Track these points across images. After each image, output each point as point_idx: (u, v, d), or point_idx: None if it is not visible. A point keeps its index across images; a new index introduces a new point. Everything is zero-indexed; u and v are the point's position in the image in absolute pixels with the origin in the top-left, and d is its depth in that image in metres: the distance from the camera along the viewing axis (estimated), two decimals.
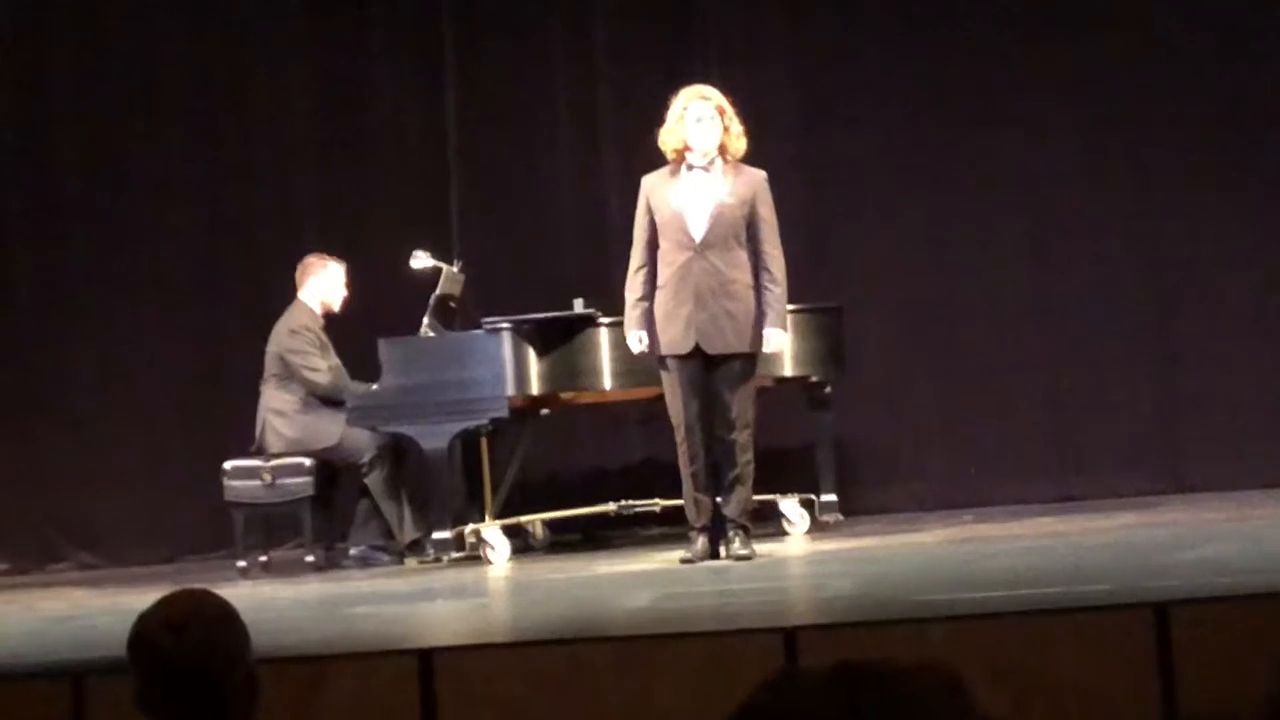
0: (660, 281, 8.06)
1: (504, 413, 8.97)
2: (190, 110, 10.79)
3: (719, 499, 8.09)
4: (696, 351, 7.99)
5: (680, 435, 8.02)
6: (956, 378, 10.35)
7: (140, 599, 3.46)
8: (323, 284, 9.63)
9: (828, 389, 9.54)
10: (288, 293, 9.64)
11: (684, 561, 8.09)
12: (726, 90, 8.25)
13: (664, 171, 8.14)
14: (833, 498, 9.54)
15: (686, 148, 8.06)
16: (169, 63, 10.78)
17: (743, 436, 7.99)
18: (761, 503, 8.65)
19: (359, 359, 9.38)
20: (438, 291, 9.36)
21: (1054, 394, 10.32)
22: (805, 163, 10.20)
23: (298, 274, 9.64)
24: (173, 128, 10.78)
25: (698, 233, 8.02)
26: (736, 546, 8.06)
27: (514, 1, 10.76)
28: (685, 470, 8.06)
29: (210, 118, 10.78)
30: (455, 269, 9.50)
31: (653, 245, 8.10)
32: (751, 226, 8.05)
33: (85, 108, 10.78)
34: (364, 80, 10.86)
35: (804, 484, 9.50)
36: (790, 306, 9.12)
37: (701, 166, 8.07)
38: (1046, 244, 10.36)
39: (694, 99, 8.08)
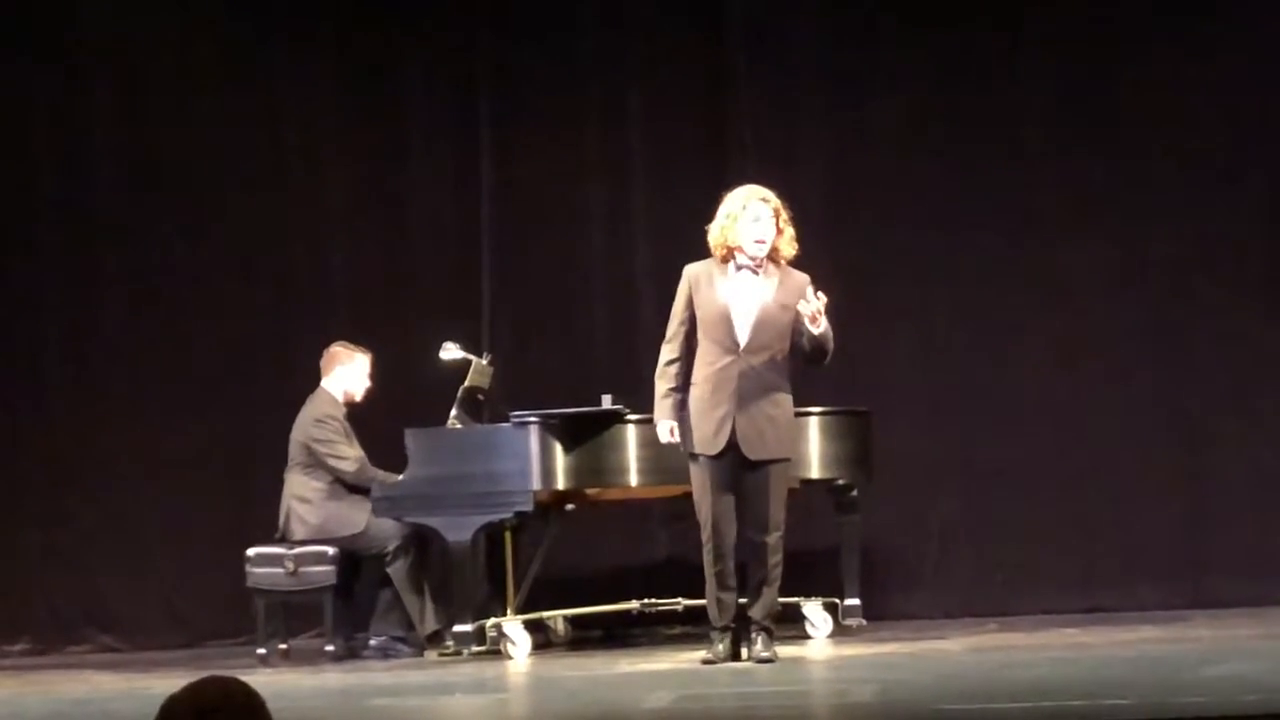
0: (696, 377, 7.97)
1: (529, 507, 8.96)
2: (226, 198, 10.83)
3: (744, 600, 8.04)
4: (728, 451, 7.92)
5: (707, 533, 7.94)
6: (984, 485, 10.32)
7: (159, 683, 3.45)
8: (348, 374, 9.63)
9: (854, 492, 9.51)
10: (317, 381, 9.65)
11: (706, 662, 8.03)
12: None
13: (710, 263, 8.02)
14: (857, 602, 9.49)
15: (738, 248, 7.99)
16: (207, 152, 10.82)
17: (774, 539, 7.92)
18: (785, 605, 8.57)
19: (386, 449, 9.36)
20: (466, 383, 9.36)
21: (1081, 504, 10.28)
22: (835, 265, 10.17)
23: (323, 363, 9.65)
24: (208, 215, 10.82)
25: (742, 336, 7.93)
26: (759, 649, 8.01)
27: (550, 98, 10.81)
28: (710, 569, 7.98)
29: (246, 206, 10.82)
30: (485, 361, 9.51)
31: (690, 338, 7.99)
32: (796, 332, 7.96)
33: (121, 193, 10.82)
34: (399, 172, 10.90)
35: (828, 587, 9.46)
36: (818, 409, 9.16)
37: (750, 267, 7.98)
38: (1075, 352, 10.34)
39: (754, 199, 7.96)
